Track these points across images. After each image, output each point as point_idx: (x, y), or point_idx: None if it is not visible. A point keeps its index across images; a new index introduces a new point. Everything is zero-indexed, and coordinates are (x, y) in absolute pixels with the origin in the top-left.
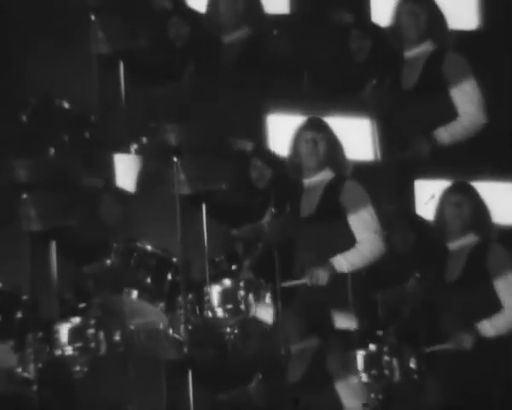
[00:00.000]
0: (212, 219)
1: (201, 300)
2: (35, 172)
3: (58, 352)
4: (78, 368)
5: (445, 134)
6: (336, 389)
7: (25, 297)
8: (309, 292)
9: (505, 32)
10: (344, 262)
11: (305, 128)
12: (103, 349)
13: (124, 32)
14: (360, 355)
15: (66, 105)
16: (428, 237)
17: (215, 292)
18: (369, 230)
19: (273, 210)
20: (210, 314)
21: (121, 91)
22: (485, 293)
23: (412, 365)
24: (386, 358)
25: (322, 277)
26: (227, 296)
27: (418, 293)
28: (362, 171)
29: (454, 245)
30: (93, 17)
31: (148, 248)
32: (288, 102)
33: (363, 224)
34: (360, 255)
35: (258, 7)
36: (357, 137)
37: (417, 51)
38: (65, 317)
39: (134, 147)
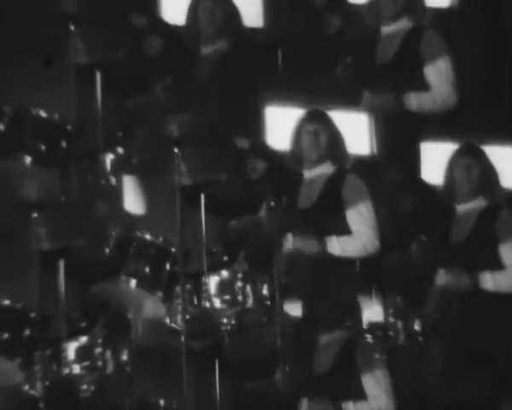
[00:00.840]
0: (210, 209)
1: (199, 290)
2: (46, 192)
3: (65, 370)
4: (84, 387)
5: (413, 100)
6: (364, 381)
7: (33, 315)
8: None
9: (478, 10)
10: (337, 246)
11: (306, 120)
12: (110, 368)
13: (102, 42)
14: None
15: (43, 114)
16: (433, 199)
17: (213, 283)
18: (366, 225)
19: (271, 203)
20: (207, 304)
21: (98, 102)
22: (491, 256)
23: (416, 327)
24: (391, 320)
25: (311, 244)
26: (225, 287)
27: (423, 256)
28: (359, 165)
29: (462, 208)
30: (72, 27)
31: (147, 237)
32: (286, 95)
33: (361, 218)
34: (354, 246)
35: (238, 18)
36: (354, 131)
37: (395, 27)
38: (72, 336)
39: (110, 157)
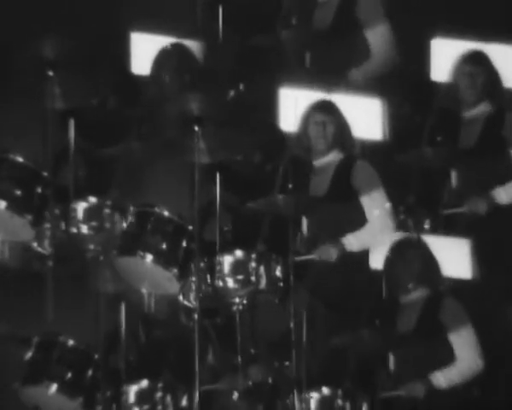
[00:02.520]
0: (226, 188)
1: (213, 269)
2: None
3: None
4: None
5: (358, 73)
6: (449, 340)
7: (96, 356)
8: (322, 268)
9: None
10: (355, 241)
11: (314, 110)
12: None
13: (80, 89)
14: None
15: (20, 159)
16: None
17: (227, 262)
18: (380, 209)
19: (290, 186)
20: (221, 284)
21: (71, 149)
22: (500, 161)
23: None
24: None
25: (331, 252)
26: (238, 267)
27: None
28: (370, 150)
29: (469, 114)
30: (50, 73)
31: (166, 214)
32: (300, 77)
33: (374, 204)
34: (371, 235)
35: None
36: (367, 116)
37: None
38: (131, 378)
39: (82, 205)
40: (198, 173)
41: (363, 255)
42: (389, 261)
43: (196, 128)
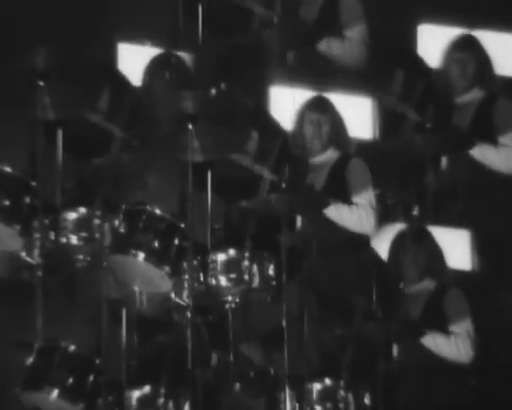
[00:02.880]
0: (216, 187)
1: (206, 267)
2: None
3: None
4: None
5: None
6: (450, 331)
7: (98, 361)
8: (316, 264)
9: None
10: (333, 209)
11: (309, 108)
12: None
13: (69, 99)
14: None
15: (8, 170)
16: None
17: (220, 261)
18: (366, 206)
19: (283, 185)
20: (213, 282)
21: (58, 160)
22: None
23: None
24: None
25: None
26: (231, 266)
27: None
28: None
29: (460, 100)
30: (41, 83)
31: (157, 212)
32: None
33: (361, 201)
34: (351, 215)
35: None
36: (357, 115)
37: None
38: (132, 381)
39: (72, 216)
40: (186, 172)
41: (362, 246)
42: (394, 252)
43: (190, 126)
